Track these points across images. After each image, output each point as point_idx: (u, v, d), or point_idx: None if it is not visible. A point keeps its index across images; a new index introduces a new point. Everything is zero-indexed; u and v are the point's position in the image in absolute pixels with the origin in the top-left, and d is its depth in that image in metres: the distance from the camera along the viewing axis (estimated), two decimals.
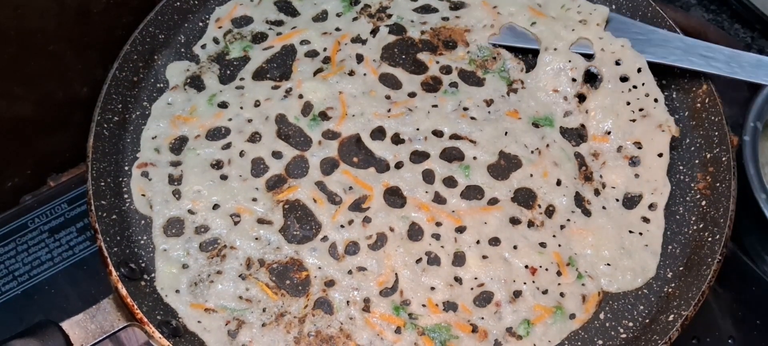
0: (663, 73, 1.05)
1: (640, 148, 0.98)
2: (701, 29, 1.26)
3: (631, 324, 0.87)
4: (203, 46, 1.06)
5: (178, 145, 0.97)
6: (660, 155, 0.97)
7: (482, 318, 0.86)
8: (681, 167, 0.98)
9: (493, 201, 0.93)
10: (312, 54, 1.06)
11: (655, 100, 1.00)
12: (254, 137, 0.98)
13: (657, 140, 0.97)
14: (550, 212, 0.93)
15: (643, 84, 1.01)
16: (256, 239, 0.90)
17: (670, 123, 0.98)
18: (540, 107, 1.01)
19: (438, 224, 0.91)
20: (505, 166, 0.97)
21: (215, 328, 0.84)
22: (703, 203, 0.95)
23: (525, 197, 0.94)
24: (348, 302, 0.86)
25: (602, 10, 1.07)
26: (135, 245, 0.90)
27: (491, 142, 0.98)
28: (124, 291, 0.82)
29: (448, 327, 0.85)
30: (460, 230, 0.91)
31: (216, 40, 1.07)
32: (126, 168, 0.95)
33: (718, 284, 0.86)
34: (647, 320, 0.87)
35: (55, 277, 1.02)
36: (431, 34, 1.08)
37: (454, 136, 0.98)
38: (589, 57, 1.03)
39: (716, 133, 0.98)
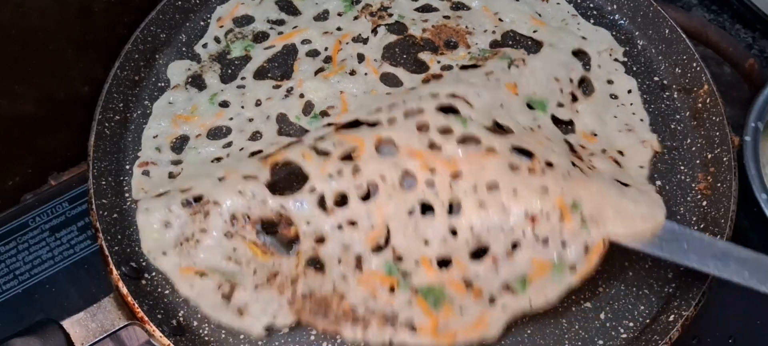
0: (664, 74, 1.06)
1: (622, 155, 0.98)
2: (702, 30, 1.26)
3: (631, 324, 0.87)
4: (204, 46, 1.06)
5: (180, 144, 0.97)
6: (641, 167, 0.97)
7: (477, 274, 0.83)
8: (682, 167, 0.98)
9: (491, 150, 0.88)
10: (313, 53, 1.06)
11: (641, 120, 1.01)
12: (255, 136, 0.98)
13: (639, 154, 0.98)
14: (549, 165, 0.88)
15: (631, 104, 1.03)
16: (240, 192, 0.87)
17: (653, 141, 0.99)
18: (538, 88, 0.99)
19: (432, 171, 0.86)
20: (499, 133, 0.94)
21: (209, 291, 0.84)
22: (704, 203, 0.95)
23: (524, 151, 0.89)
24: (340, 260, 0.84)
25: (603, 35, 1.07)
26: (136, 243, 0.89)
27: (486, 109, 0.93)
28: (124, 290, 0.82)
29: (442, 286, 0.82)
30: (456, 176, 0.86)
31: (217, 40, 1.07)
32: (127, 167, 0.95)
33: (719, 284, 0.86)
34: (648, 320, 0.87)
35: (56, 275, 1.02)
36: (433, 32, 1.07)
37: (452, 96, 0.94)
38: (586, 67, 1.05)
39: (717, 134, 0.98)
